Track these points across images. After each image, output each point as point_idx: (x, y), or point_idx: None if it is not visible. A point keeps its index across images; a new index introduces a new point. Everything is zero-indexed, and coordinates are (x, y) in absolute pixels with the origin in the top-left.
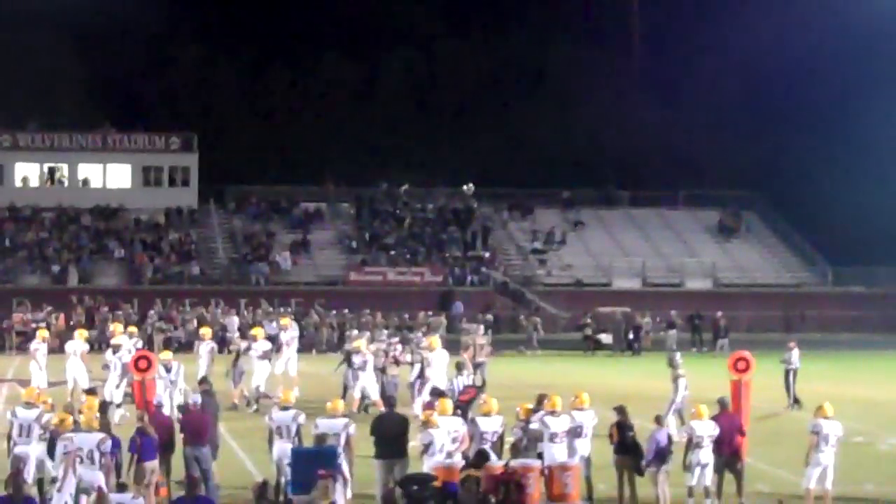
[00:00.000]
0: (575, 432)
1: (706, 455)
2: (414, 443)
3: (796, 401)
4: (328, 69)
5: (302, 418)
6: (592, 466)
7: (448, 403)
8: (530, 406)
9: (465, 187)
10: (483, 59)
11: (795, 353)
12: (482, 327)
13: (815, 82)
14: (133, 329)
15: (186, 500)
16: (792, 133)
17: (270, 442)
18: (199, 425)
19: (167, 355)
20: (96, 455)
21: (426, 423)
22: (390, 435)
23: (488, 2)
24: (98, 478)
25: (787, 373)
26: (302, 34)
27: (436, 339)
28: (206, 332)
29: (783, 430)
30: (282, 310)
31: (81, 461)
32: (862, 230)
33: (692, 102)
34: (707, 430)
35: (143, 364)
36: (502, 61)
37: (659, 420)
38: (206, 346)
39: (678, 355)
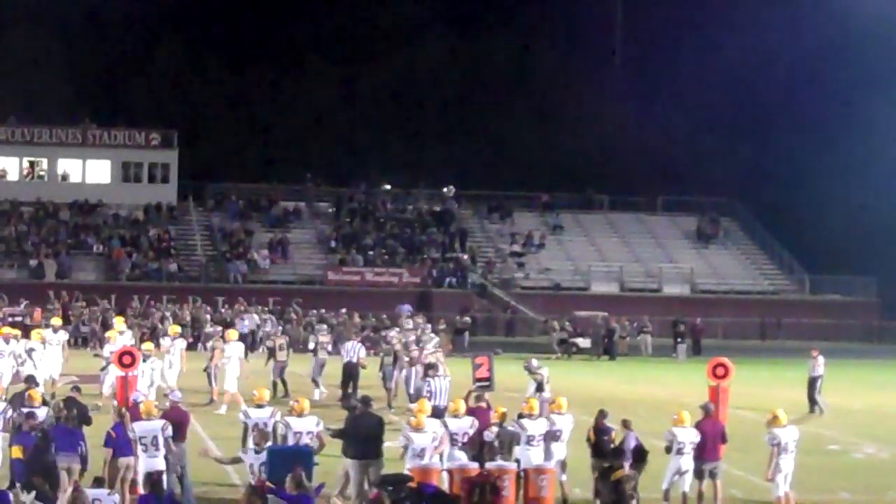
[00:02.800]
0: (553, 436)
1: (686, 462)
2: (391, 444)
3: (817, 407)
4: (310, 69)
5: (278, 416)
6: (568, 470)
7: (427, 405)
8: (504, 410)
9: (445, 189)
10: (464, 62)
11: (820, 361)
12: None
13: (797, 91)
14: None
15: (151, 498)
16: (772, 141)
17: (245, 440)
18: (181, 421)
19: (148, 346)
20: (160, 440)
21: (414, 425)
22: (366, 435)
23: (470, 5)
24: (160, 464)
25: (812, 381)
26: (285, 34)
27: (233, 332)
28: (175, 329)
29: (758, 436)
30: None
31: (146, 449)
32: (840, 239)
33: (673, 108)
34: (689, 436)
35: (127, 360)
36: (483, 64)
37: (626, 424)
38: (179, 344)
39: (535, 361)
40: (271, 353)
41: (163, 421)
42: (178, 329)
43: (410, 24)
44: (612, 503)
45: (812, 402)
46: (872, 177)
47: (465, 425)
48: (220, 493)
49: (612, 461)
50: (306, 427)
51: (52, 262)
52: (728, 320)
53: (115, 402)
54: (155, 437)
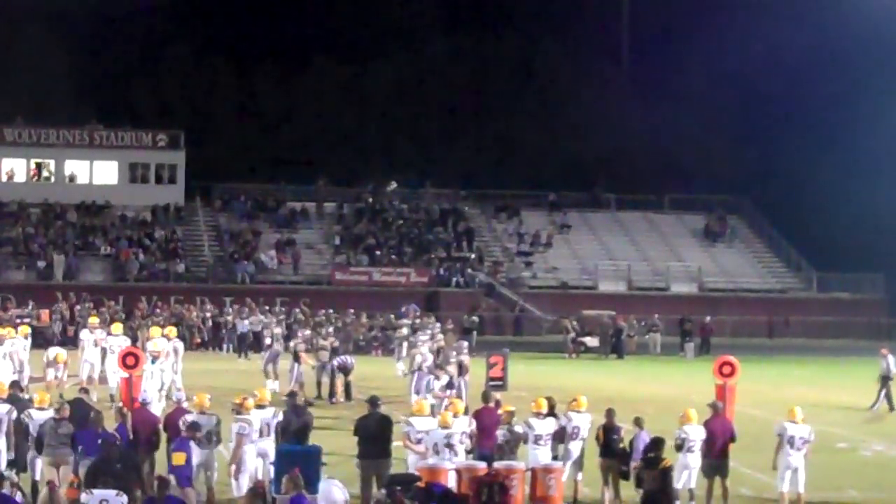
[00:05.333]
0: (571, 434)
1: (695, 459)
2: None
3: (892, 406)
4: (317, 68)
5: (281, 415)
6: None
7: (426, 405)
8: (513, 408)
9: (461, 193)
10: (471, 61)
11: (891, 360)
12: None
13: (804, 88)
14: None
15: (156, 501)
16: (779, 139)
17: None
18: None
19: (156, 347)
20: (213, 433)
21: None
22: (375, 435)
23: (476, 3)
24: (211, 456)
25: (883, 379)
26: (291, 34)
27: (170, 329)
28: (171, 330)
29: (766, 434)
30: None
31: (199, 442)
32: (847, 237)
33: (680, 106)
34: (698, 434)
35: (130, 361)
36: (490, 63)
37: (638, 422)
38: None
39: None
40: (296, 357)
41: (216, 415)
42: (174, 331)
43: (417, 24)
44: (657, 491)
45: (888, 399)
46: (880, 174)
47: (463, 425)
48: (224, 492)
49: (616, 459)
50: (265, 419)
51: (59, 264)
52: (736, 318)
53: (120, 403)
54: (210, 431)
